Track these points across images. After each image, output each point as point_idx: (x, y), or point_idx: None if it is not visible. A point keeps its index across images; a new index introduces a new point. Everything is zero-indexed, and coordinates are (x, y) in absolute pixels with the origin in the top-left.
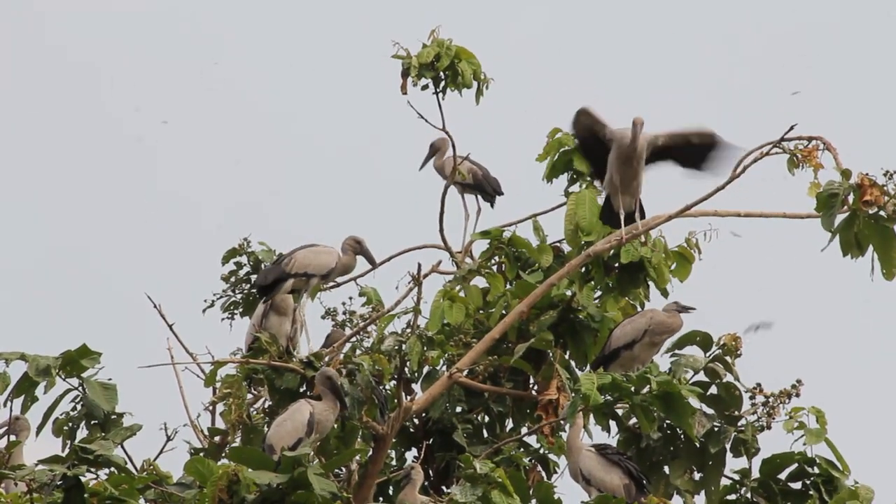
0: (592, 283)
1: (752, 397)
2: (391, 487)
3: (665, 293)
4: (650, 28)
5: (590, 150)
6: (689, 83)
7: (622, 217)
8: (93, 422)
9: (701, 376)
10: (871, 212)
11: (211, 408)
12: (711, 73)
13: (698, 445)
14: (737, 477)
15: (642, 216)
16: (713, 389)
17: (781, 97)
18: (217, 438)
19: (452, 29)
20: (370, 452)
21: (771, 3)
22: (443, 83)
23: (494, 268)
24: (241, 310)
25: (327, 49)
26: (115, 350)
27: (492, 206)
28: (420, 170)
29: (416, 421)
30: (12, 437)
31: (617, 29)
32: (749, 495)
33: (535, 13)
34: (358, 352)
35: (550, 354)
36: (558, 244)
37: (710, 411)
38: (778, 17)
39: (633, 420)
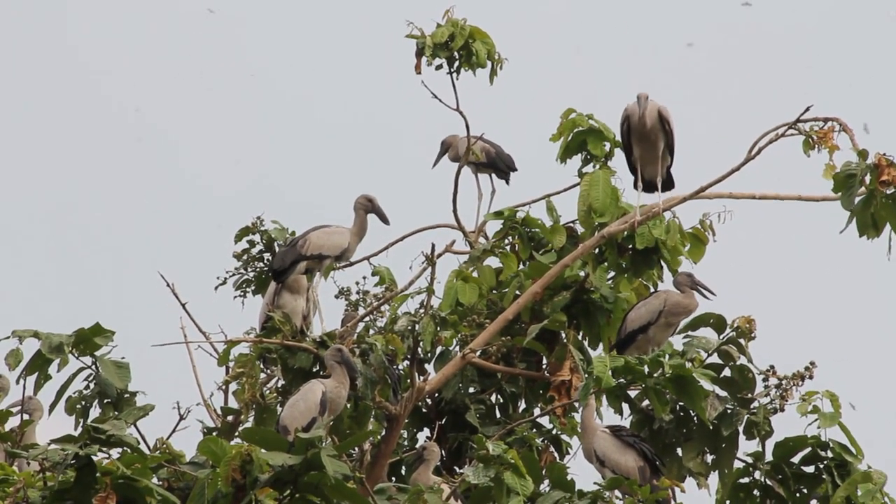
0: (606, 264)
1: (765, 380)
2: (404, 467)
3: None
4: (667, 11)
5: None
6: (700, 70)
7: (639, 187)
8: (106, 400)
9: (714, 358)
10: (888, 192)
11: (224, 387)
12: (721, 63)
13: (711, 428)
14: (750, 460)
15: (671, 187)
16: (726, 372)
17: (785, 91)
18: (230, 418)
19: (470, 9)
20: (383, 433)
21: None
22: (457, 63)
23: (508, 248)
24: (253, 288)
25: (343, 29)
26: (128, 328)
27: (507, 182)
28: (433, 167)
29: (428, 401)
30: (25, 417)
31: (631, 14)
32: (762, 478)
33: None
34: (371, 332)
35: (563, 335)
36: (572, 225)
37: (724, 394)
38: (786, 14)
39: (646, 402)
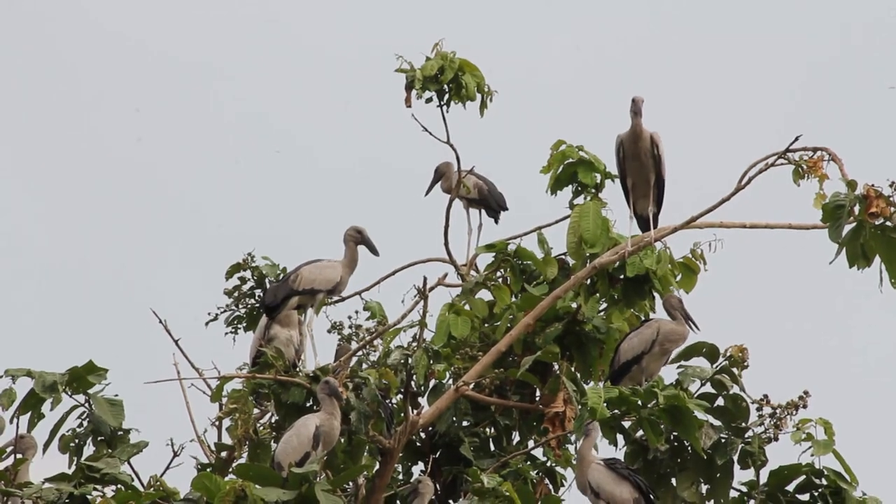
0: (597, 295)
1: (759, 409)
2: (398, 502)
3: None
4: (659, 50)
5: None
6: (686, 102)
7: (631, 219)
8: (99, 438)
9: (708, 388)
10: (876, 223)
11: (217, 423)
12: (707, 94)
13: (705, 457)
14: (744, 489)
15: (655, 224)
16: (720, 401)
17: (780, 110)
18: (224, 454)
19: (463, 42)
20: (377, 467)
21: (770, 19)
22: (447, 96)
23: (500, 280)
24: (244, 324)
25: (336, 61)
26: (122, 366)
27: (496, 221)
28: (426, 195)
29: (422, 435)
30: (18, 455)
31: (625, 49)
32: None
33: (552, 31)
34: (364, 366)
35: (556, 367)
36: (563, 256)
37: (717, 423)
38: (776, 33)
39: (640, 433)
